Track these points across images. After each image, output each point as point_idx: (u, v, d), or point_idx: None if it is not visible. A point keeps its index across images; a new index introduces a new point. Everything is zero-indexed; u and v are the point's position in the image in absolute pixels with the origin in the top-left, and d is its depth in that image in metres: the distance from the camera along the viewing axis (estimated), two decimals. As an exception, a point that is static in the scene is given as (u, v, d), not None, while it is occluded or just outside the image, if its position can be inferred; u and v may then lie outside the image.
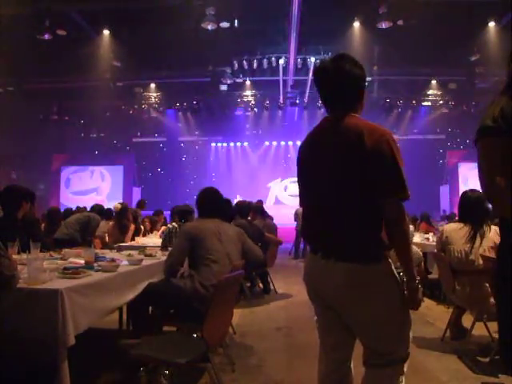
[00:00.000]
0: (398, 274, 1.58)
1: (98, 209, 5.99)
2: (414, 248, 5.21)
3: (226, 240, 3.02)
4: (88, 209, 7.03)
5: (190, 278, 2.88)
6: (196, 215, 4.82)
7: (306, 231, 1.76)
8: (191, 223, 3.18)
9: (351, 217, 1.54)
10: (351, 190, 1.54)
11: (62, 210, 7.46)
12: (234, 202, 6.23)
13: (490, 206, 3.57)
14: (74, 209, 8.10)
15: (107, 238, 5.64)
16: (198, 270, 2.88)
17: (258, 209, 6.78)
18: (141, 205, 8.36)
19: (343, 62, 1.63)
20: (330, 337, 1.70)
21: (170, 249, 3.96)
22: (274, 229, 7.21)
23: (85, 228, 5.06)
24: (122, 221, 5.67)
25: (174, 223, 4.46)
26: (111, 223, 5.93)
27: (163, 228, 6.36)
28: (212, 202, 3.19)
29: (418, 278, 1.55)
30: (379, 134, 1.51)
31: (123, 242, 5.24)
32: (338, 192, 1.56)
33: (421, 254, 5.21)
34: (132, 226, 5.85)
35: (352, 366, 1.72)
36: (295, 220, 10.34)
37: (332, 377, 1.69)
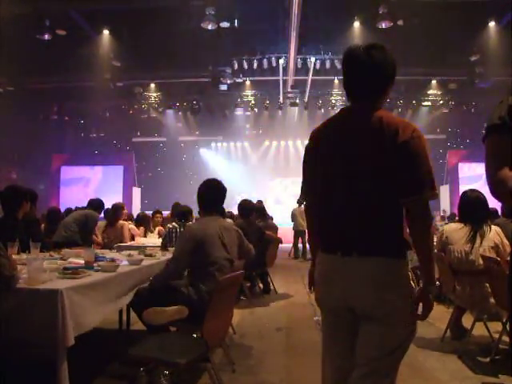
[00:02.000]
0: (416, 274, 1.55)
1: (95, 203, 5.49)
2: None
3: (229, 242, 2.99)
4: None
5: (194, 288, 2.83)
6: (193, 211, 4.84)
7: (321, 230, 1.69)
8: (194, 224, 3.08)
9: (377, 214, 1.51)
10: (378, 186, 1.51)
11: (63, 210, 7.45)
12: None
13: (490, 205, 3.57)
14: (73, 208, 8.06)
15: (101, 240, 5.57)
16: (203, 279, 2.83)
17: (259, 209, 6.79)
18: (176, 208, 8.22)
19: (378, 52, 1.60)
20: (337, 344, 1.67)
21: (169, 249, 3.98)
22: (275, 229, 7.24)
23: (83, 227, 5.01)
24: (111, 221, 5.63)
25: (173, 223, 4.47)
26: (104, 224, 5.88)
27: (159, 229, 6.34)
28: (215, 196, 3.10)
29: (438, 284, 1.52)
30: (412, 130, 1.50)
31: (118, 242, 5.22)
32: (362, 188, 1.53)
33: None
34: (127, 226, 5.78)
35: None
36: (292, 220, 10.41)
37: None
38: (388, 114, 1.57)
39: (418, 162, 1.47)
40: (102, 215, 6.09)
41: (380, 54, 1.59)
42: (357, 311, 1.56)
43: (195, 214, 5.12)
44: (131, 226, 6.18)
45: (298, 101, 15.22)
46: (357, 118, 1.60)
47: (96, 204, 5.43)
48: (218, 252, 2.89)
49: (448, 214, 12.33)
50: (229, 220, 5.38)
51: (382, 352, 1.53)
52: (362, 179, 1.53)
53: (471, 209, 3.45)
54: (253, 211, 5.87)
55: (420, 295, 1.52)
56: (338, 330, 1.66)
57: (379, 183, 1.51)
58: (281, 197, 17.96)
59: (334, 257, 1.58)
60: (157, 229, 6.39)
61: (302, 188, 1.77)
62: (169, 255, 3.72)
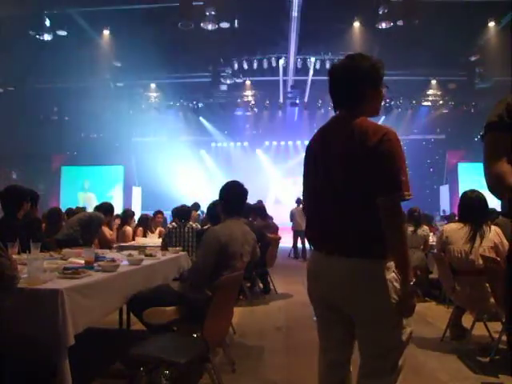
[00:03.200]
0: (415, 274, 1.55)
1: (105, 206, 5.44)
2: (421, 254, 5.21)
3: (245, 251, 2.96)
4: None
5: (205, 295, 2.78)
6: (195, 210, 4.80)
7: (309, 229, 1.75)
8: (220, 228, 2.92)
9: (354, 215, 1.54)
10: (354, 188, 1.54)
11: (64, 210, 7.43)
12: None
13: (490, 205, 3.57)
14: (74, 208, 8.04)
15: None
16: (208, 281, 2.74)
17: (258, 209, 6.79)
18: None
19: (349, 61, 1.65)
20: (328, 337, 1.69)
21: (169, 249, 3.98)
22: (275, 229, 7.24)
23: (86, 228, 5.01)
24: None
25: (173, 223, 4.47)
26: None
27: (160, 229, 6.33)
28: (239, 198, 3.04)
29: (414, 280, 1.51)
30: (383, 133, 1.51)
31: (110, 244, 5.20)
32: (341, 190, 1.57)
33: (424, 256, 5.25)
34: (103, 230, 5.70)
35: (351, 369, 1.70)
36: (291, 220, 10.43)
37: (331, 378, 1.68)
38: (363, 119, 1.59)
39: (386, 164, 1.49)
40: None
41: (347, 63, 1.66)
42: (342, 310, 1.59)
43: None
44: (127, 227, 6.13)
45: (297, 101, 15.22)
46: (334, 124, 1.69)
47: (105, 207, 5.42)
48: (235, 260, 2.87)
49: (448, 213, 12.32)
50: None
51: (376, 353, 1.54)
52: (341, 182, 1.57)
53: (471, 209, 3.45)
54: (251, 212, 5.90)
55: (400, 295, 1.52)
56: (329, 325, 1.69)
57: (357, 186, 1.54)
58: (281, 197, 17.95)
59: (320, 255, 1.63)
60: (158, 229, 6.39)
61: None
62: (169, 255, 3.73)
